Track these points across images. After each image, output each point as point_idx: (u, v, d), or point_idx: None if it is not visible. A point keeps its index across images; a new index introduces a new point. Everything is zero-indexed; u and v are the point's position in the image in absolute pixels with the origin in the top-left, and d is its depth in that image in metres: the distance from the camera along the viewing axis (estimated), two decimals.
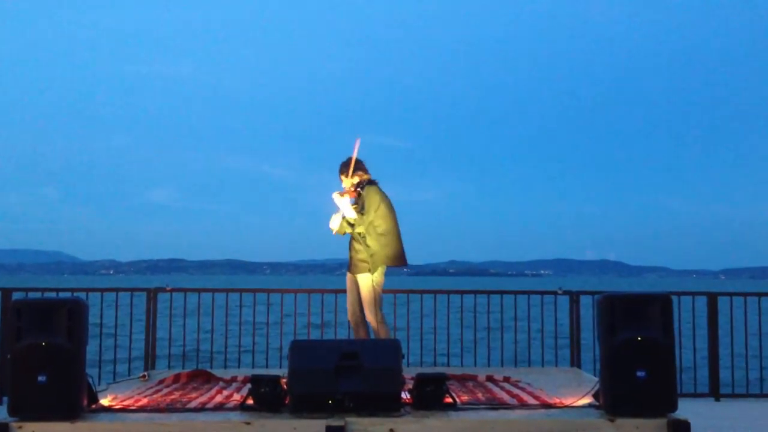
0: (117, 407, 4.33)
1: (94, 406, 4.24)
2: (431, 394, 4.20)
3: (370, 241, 5.86)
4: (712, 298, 6.68)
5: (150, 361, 6.51)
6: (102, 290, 6.71)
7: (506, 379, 5.61)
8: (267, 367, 6.82)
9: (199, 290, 6.90)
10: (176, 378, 5.56)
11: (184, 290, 6.86)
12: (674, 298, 4.42)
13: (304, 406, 4.03)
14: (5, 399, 4.28)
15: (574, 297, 6.77)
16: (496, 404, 4.39)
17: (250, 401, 4.25)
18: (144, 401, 4.56)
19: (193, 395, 4.83)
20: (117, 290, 6.78)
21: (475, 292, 6.97)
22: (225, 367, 6.81)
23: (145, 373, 5.86)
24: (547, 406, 4.34)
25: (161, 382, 5.47)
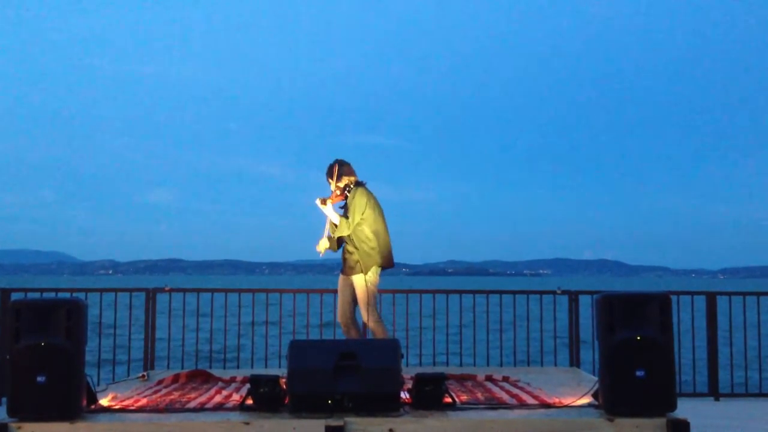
0: (116, 407, 4.33)
1: (93, 407, 4.24)
2: (430, 394, 4.20)
3: (358, 243, 5.88)
4: (711, 298, 6.67)
5: (149, 361, 6.50)
6: (101, 290, 6.69)
7: (505, 379, 5.62)
8: (266, 367, 6.82)
9: (198, 290, 6.90)
10: (175, 378, 5.57)
11: (183, 290, 6.84)
12: (673, 298, 4.41)
13: (303, 406, 4.03)
14: (4, 399, 4.28)
15: (573, 297, 6.77)
16: (495, 404, 4.40)
17: (250, 401, 4.25)
18: (143, 401, 4.56)
19: (193, 395, 4.83)
20: (116, 290, 6.77)
21: (474, 292, 6.96)
22: (224, 367, 6.80)
23: (145, 374, 5.87)
24: (547, 405, 4.35)
25: (160, 382, 5.47)
